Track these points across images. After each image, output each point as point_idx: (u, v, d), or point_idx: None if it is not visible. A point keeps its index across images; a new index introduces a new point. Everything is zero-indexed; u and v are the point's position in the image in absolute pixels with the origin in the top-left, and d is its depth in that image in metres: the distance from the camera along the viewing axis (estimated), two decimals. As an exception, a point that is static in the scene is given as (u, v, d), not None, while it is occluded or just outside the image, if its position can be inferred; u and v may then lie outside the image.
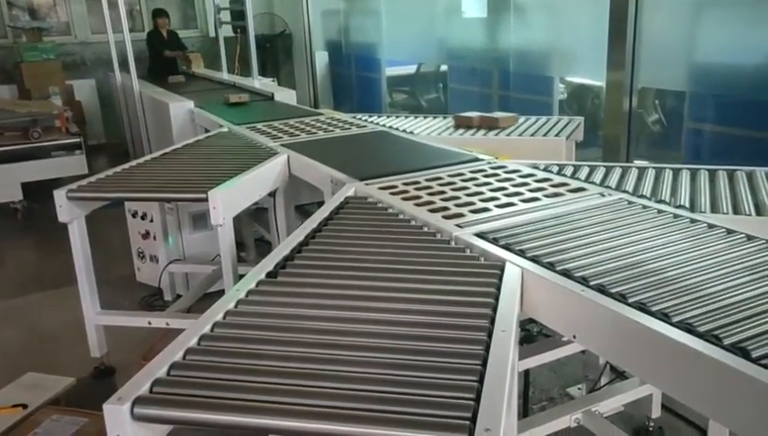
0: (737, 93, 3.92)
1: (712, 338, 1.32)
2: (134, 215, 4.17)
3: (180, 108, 4.98)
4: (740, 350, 1.27)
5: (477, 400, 1.15)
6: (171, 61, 7.72)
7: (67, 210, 2.88)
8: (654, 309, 1.45)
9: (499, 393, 1.16)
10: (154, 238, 4.09)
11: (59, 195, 2.87)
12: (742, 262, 1.68)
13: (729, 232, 1.90)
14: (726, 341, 1.31)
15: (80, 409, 2.53)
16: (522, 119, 3.98)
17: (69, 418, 2.47)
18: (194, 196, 2.76)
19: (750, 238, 1.84)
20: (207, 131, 4.37)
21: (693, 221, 2.00)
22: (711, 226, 1.94)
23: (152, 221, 4.07)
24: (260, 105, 4.97)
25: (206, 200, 2.66)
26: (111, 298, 3.86)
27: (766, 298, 1.48)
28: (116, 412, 1.17)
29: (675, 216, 2.05)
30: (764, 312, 1.42)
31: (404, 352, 1.34)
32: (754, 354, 1.26)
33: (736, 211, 2.18)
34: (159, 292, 4.09)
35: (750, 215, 2.13)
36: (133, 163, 3.28)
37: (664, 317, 1.42)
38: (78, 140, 6.23)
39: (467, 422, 1.09)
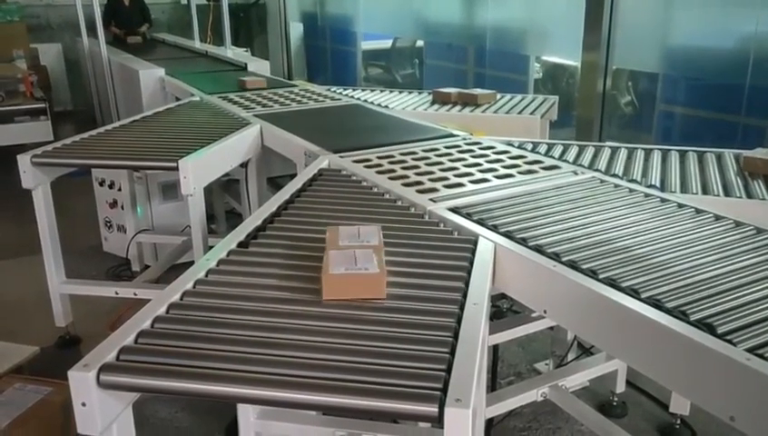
0: (709, 76, 3.97)
1: (679, 314, 1.35)
2: (102, 184, 4.07)
3: (150, 75, 4.86)
4: (706, 325, 1.30)
5: (449, 371, 1.15)
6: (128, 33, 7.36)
7: (31, 176, 2.80)
8: (623, 285, 1.47)
9: (470, 364, 1.16)
10: (122, 207, 4.01)
11: (23, 160, 2.78)
12: (710, 241, 1.71)
13: (698, 211, 1.93)
14: (693, 317, 1.33)
15: (44, 378, 2.48)
16: (498, 96, 3.97)
17: (33, 387, 2.42)
18: (164, 164, 2.71)
19: (718, 218, 1.87)
20: (178, 99, 4.28)
21: (663, 200, 2.03)
22: (680, 206, 1.97)
23: (119, 190, 3.98)
24: (232, 75, 4.87)
25: (176, 169, 2.61)
26: (77, 268, 3.78)
27: (732, 276, 1.52)
28: (82, 380, 1.15)
29: (646, 195, 2.08)
30: (730, 289, 1.45)
31: (376, 324, 1.34)
32: (720, 330, 1.28)
33: (705, 191, 2.22)
34: (126, 262, 4.01)
35: (718, 196, 2.17)
36: (101, 129, 3.19)
37: (633, 293, 1.44)
38: (43, 105, 6.06)
39: (439, 393, 1.10)
